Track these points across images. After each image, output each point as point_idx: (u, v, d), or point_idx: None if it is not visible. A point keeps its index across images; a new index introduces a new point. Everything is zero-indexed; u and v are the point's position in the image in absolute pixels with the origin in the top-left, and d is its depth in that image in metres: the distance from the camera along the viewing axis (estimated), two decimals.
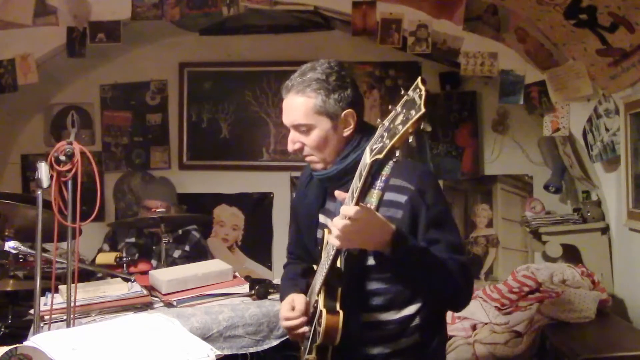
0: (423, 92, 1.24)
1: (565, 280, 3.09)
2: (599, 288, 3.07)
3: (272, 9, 3.69)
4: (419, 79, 1.28)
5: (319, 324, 1.61)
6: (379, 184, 1.68)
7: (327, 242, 1.66)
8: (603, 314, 2.96)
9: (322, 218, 1.87)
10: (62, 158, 2.07)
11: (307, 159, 1.79)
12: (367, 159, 1.39)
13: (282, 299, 1.90)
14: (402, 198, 1.66)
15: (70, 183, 2.08)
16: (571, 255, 3.61)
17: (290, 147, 1.78)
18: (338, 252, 1.59)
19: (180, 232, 3.74)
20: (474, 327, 3.10)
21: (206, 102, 4.66)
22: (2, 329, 2.92)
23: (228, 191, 4.64)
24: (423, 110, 1.22)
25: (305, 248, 1.95)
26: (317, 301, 1.68)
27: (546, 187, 4.02)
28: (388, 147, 1.31)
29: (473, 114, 4.34)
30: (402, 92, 1.31)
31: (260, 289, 2.66)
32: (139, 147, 4.72)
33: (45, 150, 4.40)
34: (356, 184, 1.46)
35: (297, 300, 1.79)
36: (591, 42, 2.89)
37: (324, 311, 1.60)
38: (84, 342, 1.56)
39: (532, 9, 2.99)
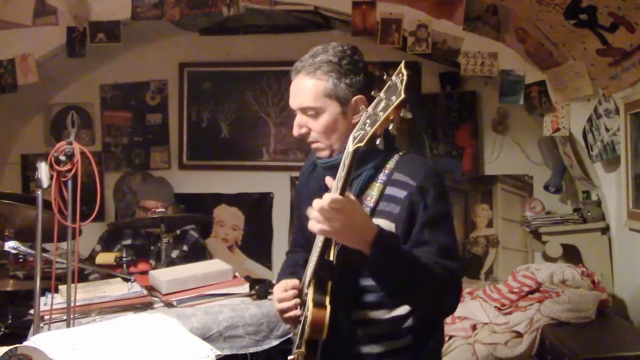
0: (405, 77, 1.19)
1: (565, 280, 3.09)
2: (599, 288, 3.07)
3: (272, 9, 3.68)
4: (402, 64, 1.22)
5: (307, 318, 1.56)
6: (381, 177, 1.64)
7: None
8: (603, 314, 2.96)
9: None
10: (62, 158, 2.07)
11: (314, 145, 1.72)
12: (349, 147, 1.34)
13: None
14: (402, 194, 1.59)
15: (70, 183, 2.08)
16: (571, 255, 3.62)
17: (296, 132, 1.71)
18: (327, 243, 1.52)
19: (178, 232, 3.73)
20: (474, 327, 3.10)
21: (206, 102, 4.66)
22: (2, 329, 2.92)
23: (228, 191, 4.64)
24: (403, 95, 1.17)
25: (307, 237, 1.87)
26: (307, 294, 1.62)
27: (546, 187, 4.02)
28: (369, 135, 1.26)
29: (473, 114, 4.34)
30: (385, 77, 1.26)
31: (260, 289, 2.66)
32: (139, 147, 4.73)
33: (45, 150, 4.40)
34: (340, 173, 1.40)
35: (290, 284, 1.74)
36: (591, 42, 2.88)
37: (311, 305, 1.54)
38: (84, 342, 1.56)
39: (532, 9, 2.99)
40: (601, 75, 3.02)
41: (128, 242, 3.77)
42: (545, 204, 4.09)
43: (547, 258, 3.82)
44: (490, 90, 4.10)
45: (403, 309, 1.66)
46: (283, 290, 1.73)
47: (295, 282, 1.75)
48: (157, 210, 3.54)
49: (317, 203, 1.39)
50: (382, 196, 1.63)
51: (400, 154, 1.69)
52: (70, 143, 2.08)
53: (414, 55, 3.86)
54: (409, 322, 1.66)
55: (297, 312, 1.69)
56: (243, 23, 4.40)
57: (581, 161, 3.59)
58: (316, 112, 1.67)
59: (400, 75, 1.20)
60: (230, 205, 4.65)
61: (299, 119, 1.70)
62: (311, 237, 1.75)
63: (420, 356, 1.68)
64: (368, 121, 1.28)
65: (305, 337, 1.57)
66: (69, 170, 2.07)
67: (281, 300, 1.72)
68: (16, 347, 1.38)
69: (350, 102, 1.66)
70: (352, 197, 1.48)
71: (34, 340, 1.56)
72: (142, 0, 3.74)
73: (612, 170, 3.28)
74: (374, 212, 1.61)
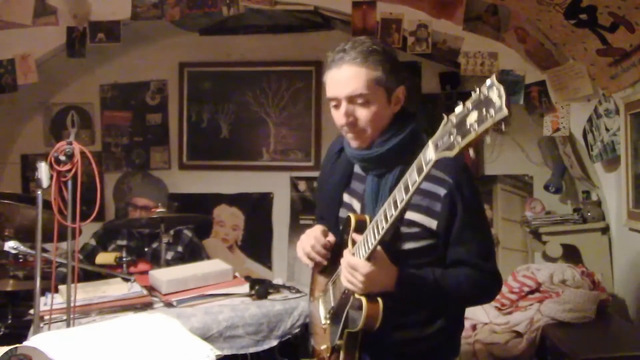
0: (503, 92, 1.15)
1: (565, 280, 3.09)
2: (599, 288, 3.07)
3: (272, 9, 3.68)
4: (493, 76, 1.20)
5: (354, 309, 1.61)
6: None
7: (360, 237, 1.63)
8: (603, 314, 2.96)
9: (346, 197, 1.82)
10: (62, 158, 2.07)
11: (354, 134, 1.68)
12: (431, 154, 1.33)
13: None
14: (442, 191, 1.62)
15: (70, 183, 2.08)
16: (571, 255, 3.61)
17: (344, 121, 1.66)
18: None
19: (172, 232, 3.70)
20: (474, 327, 3.10)
21: (206, 102, 4.66)
22: (2, 329, 2.92)
23: (228, 191, 4.64)
24: (505, 111, 1.13)
25: (329, 221, 1.89)
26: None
27: (546, 187, 4.02)
28: (461, 145, 1.23)
29: None
30: (476, 89, 1.23)
31: (260, 289, 2.66)
32: (139, 147, 4.73)
33: (45, 150, 4.40)
34: (414, 177, 1.39)
35: (331, 236, 1.77)
36: (591, 42, 2.88)
37: (364, 299, 1.57)
38: (84, 342, 1.56)
39: (532, 9, 2.99)
40: (601, 75, 3.02)
41: (123, 242, 3.76)
42: (545, 204, 4.09)
43: (547, 258, 3.82)
44: None
45: None
46: (322, 232, 1.77)
47: (334, 238, 1.77)
48: (156, 209, 3.53)
49: (343, 262, 1.57)
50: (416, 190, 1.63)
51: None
52: (70, 143, 2.08)
53: (414, 55, 3.86)
54: None
55: (323, 261, 1.76)
56: (243, 23, 4.40)
57: (581, 161, 3.58)
58: (366, 100, 1.64)
59: (496, 89, 1.16)
60: (230, 205, 4.65)
61: (347, 107, 1.65)
62: (330, 224, 1.83)
63: (449, 339, 1.78)
64: (455, 131, 1.25)
65: (357, 328, 1.59)
66: (69, 170, 2.07)
67: (315, 238, 1.75)
68: (16, 347, 1.38)
69: (395, 93, 1.68)
70: (380, 250, 1.56)
71: (34, 340, 1.56)
72: (142, 0, 3.74)
73: (612, 170, 3.27)
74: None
